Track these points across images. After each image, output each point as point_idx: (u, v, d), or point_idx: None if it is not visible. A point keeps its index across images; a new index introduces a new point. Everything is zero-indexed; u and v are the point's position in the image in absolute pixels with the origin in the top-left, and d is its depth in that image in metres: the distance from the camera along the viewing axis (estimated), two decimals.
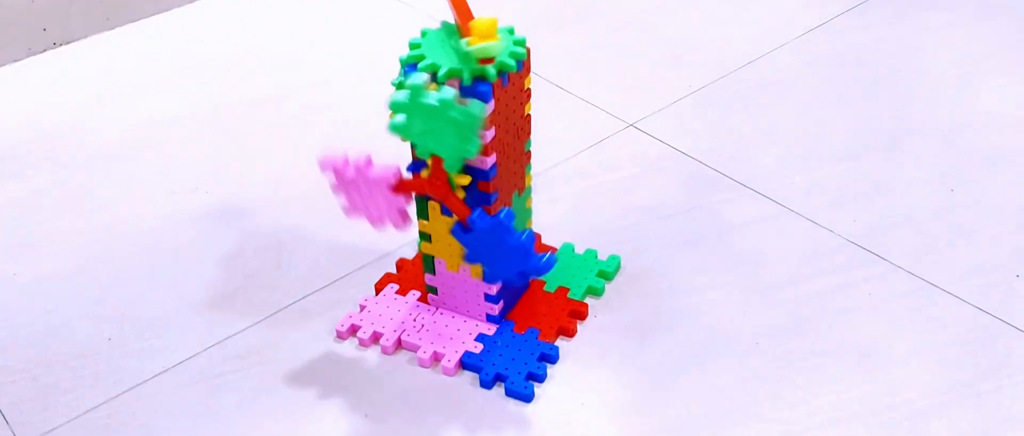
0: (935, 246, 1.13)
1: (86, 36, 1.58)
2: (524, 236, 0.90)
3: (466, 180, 0.92)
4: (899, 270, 1.09)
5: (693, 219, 1.18)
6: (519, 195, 1.00)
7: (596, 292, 1.08)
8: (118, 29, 1.60)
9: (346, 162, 0.91)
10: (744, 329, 1.03)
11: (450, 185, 0.92)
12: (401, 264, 1.12)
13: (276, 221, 1.21)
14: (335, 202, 1.16)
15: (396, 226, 0.95)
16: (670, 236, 1.16)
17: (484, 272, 0.97)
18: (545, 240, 1.14)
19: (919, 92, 1.39)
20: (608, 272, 1.09)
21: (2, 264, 1.16)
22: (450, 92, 0.83)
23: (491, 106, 0.88)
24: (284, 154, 1.32)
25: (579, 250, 1.12)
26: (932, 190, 1.21)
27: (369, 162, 0.91)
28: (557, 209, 1.20)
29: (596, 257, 1.11)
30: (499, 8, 1.58)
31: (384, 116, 0.88)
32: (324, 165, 0.92)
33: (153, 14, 1.63)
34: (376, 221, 0.95)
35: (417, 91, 0.83)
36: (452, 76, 0.87)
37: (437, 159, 0.90)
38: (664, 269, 1.11)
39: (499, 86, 0.89)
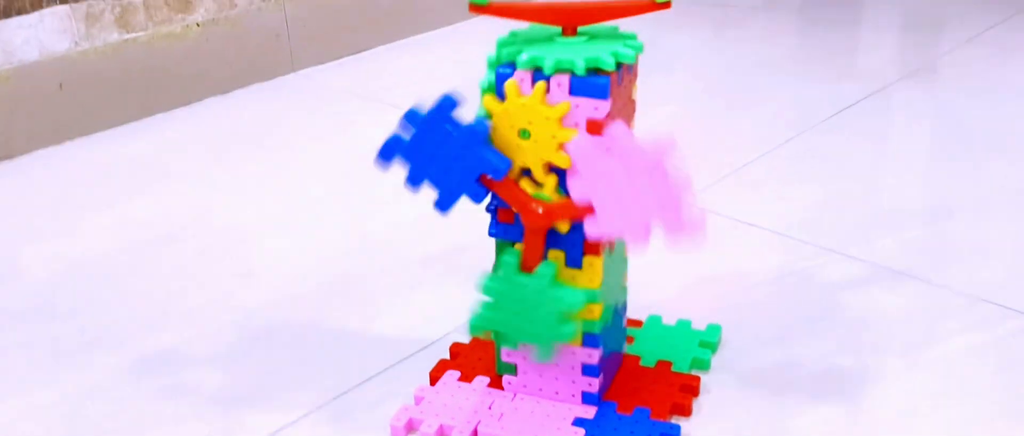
0: None
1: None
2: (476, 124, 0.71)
3: (553, 180, 0.73)
4: None
5: (787, 284, 1.01)
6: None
7: (702, 365, 0.88)
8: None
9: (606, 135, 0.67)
10: (895, 394, 0.85)
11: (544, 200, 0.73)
12: (456, 350, 0.90)
13: (301, 315, 0.98)
14: (369, 292, 0.97)
15: (681, 232, 0.66)
16: (766, 303, 0.98)
17: (437, 199, 0.74)
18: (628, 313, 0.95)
19: (974, 159, 1.28)
20: (711, 343, 0.90)
21: None
22: (550, 269, 0.72)
23: (609, 105, 0.71)
24: (288, 250, 1.11)
25: (668, 321, 0.94)
26: None
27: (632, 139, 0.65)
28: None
29: (691, 327, 0.92)
30: None
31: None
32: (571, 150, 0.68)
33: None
34: (638, 231, 0.67)
35: (510, 270, 0.73)
36: (561, 69, 0.71)
37: (511, 194, 0.73)
38: (773, 337, 0.93)
39: (615, 82, 0.72)
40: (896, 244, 1.08)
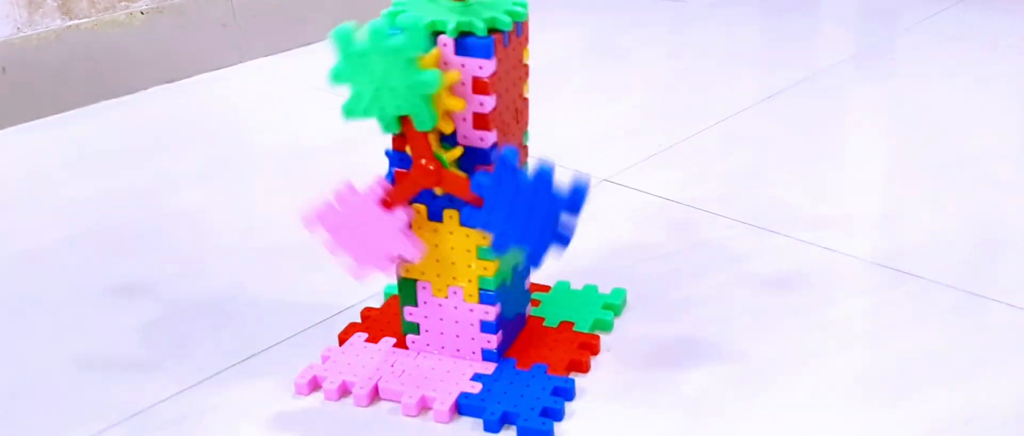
0: (968, 261, 1.01)
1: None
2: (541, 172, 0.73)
3: (458, 152, 0.76)
4: (937, 284, 0.97)
5: (699, 253, 1.04)
6: None
7: (605, 326, 0.91)
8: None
9: (329, 205, 0.79)
10: (788, 352, 0.88)
11: (441, 163, 0.76)
12: (367, 314, 0.93)
13: (212, 283, 1.01)
14: (281, 259, 1.00)
15: (406, 255, 0.79)
16: (677, 270, 1.01)
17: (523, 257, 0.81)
18: (533, 279, 0.98)
19: (894, 139, 1.31)
20: (615, 305, 0.93)
21: None
22: (378, 24, 0.71)
23: (492, 66, 0.74)
24: (223, 231, 1.14)
25: (576, 287, 0.96)
26: (944, 213, 1.10)
27: (351, 189, 0.78)
28: None
29: (597, 291, 0.95)
30: None
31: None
32: (309, 221, 0.80)
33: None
34: (382, 260, 0.80)
35: (347, 36, 0.73)
36: (436, 29, 0.73)
37: (416, 140, 0.75)
38: (679, 301, 0.95)
39: (500, 45, 0.75)
40: (809, 216, 1.11)
